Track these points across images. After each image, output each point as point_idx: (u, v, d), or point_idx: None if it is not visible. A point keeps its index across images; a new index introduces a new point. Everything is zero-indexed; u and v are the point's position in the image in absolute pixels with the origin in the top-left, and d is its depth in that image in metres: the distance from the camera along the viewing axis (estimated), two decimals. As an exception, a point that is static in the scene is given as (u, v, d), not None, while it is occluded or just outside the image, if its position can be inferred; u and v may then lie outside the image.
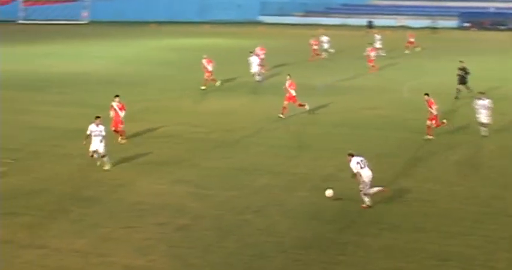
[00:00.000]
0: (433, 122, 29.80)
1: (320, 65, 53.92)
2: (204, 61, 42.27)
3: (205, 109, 36.36)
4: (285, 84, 34.57)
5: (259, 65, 45.14)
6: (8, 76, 46.14)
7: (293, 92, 34.07)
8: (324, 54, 57.90)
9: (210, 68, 41.90)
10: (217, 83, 42.47)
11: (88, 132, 24.67)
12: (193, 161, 26.32)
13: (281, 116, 33.61)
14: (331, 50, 58.98)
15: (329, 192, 21.78)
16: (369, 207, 20.95)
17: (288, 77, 34.74)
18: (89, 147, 24.79)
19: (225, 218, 20.25)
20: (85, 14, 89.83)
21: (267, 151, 27.88)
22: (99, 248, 18.06)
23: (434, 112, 29.80)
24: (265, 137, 30.34)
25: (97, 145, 24.66)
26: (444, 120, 30.38)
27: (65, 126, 31.67)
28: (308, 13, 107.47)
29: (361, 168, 20.84)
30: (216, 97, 39.83)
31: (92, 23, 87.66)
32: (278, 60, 53.40)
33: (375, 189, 21.31)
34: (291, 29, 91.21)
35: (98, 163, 25.09)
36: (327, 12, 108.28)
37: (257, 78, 44.55)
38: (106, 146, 25.02)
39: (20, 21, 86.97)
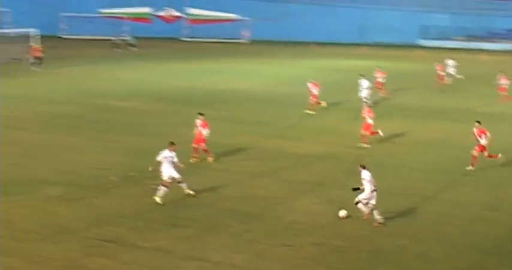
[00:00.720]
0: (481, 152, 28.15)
1: (443, 90, 52.33)
2: (310, 85, 41.95)
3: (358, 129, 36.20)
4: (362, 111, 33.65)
5: (379, 88, 44.39)
6: (172, 91, 47.91)
7: (369, 120, 32.72)
8: (448, 79, 54.93)
9: (315, 91, 41.48)
10: (323, 104, 41.91)
11: (159, 159, 23.32)
12: (349, 182, 26.22)
13: (363, 145, 32.37)
14: (459, 76, 56.18)
15: (342, 213, 21.77)
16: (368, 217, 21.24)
17: (365, 104, 33.56)
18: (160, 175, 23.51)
19: (380, 241, 20.06)
20: (246, 33, 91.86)
21: (423, 175, 27.42)
22: (255, 264, 18.32)
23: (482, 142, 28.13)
24: (419, 161, 29.85)
25: (171, 172, 23.38)
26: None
27: (222, 141, 32.33)
28: (470, 37, 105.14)
29: (368, 182, 21.06)
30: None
31: (252, 42, 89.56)
32: (412, 83, 52.57)
33: (364, 208, 21.46)
34: (452, 53, 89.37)
35: (187, 191, 23.88)
36: (490, 37, 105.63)
37: (367, 102, 43.78)
38: (179, 171, 23.68)
39: (184, 39, 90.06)
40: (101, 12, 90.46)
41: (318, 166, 28.79)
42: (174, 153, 23.45)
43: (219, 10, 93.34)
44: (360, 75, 44.49)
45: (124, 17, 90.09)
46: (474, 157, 28.29)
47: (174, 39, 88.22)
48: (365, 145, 32.24)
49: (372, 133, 32.70)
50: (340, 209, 22.05)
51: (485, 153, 28.43)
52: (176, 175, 23.47)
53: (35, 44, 61.57)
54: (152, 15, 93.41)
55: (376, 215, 21.23)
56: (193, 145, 28.75)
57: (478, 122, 28.71)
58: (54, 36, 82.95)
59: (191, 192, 23.89)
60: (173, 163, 23.40)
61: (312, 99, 41.40)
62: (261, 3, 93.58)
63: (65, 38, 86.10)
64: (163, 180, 23.23)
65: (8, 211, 21.85)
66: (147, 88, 49.21)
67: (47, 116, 37.93)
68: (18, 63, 59.72)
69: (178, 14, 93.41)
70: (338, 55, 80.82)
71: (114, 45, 78.11)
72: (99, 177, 25.89)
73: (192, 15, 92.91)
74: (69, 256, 18.52)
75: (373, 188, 21.11)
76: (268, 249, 19.33)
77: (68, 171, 26.78)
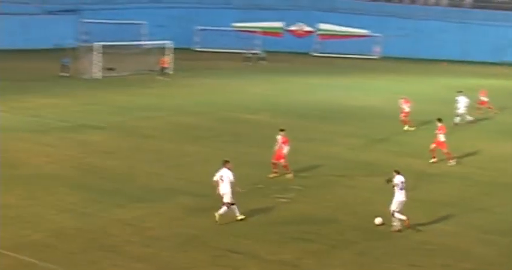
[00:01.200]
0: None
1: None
2: (401, 101, 41.46)
3: (494, 151, 35.27)
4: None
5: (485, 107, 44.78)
6: (300, 105, 48.13)
7: (441, 137, 32.29)
8: None
9: (406, 108, 41.00)
10: (406, 127, 40.82)
11: (215, 178, 22.65)
12: (483, 204, 25.63)
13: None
14: None
15: (378, 220, 22.29)
16: (399, 231, 21.72)
17: (438, 121, 33.32)
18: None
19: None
20: (377, 49, 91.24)
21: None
22: (382, 283, 18.18)
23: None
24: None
25: (225, 190, 22.55)
26: None
27: (350, 157, 32.31)
28: None
29: (400, 189, 21.87)
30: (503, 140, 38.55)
31: (383, 58, 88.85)
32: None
33: (401, 216, 22.04)
34: None
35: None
36: None
37: (467, 118, 43.27)
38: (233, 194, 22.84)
39: (314, 54, 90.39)
40: (234, 26, 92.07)
41: (449, 186, 28.25)
42: (230, 172, 22.61)
43: (351, 26, 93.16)
44: (458, 92, 43.90)
45: (256, 31, 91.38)
46: None
47: (304, 54, 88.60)
48: (433, 159, 32.13)
49: (447, 153, 32.08)
50: (469, 230, 21.58)
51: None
52: (227, 197, 22.48)
53: (163, 56, 63.47)
54: (283, 29, 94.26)
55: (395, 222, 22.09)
56: (273, 161, 28.68)
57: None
58: (187, 49, 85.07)
59: (240, 217, 22.77)
60: (230, 182, 22.51)
61: (403, 116, 40.96)
62: (392, 19, 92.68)
63: (198, 51, 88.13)
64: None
65: (142, 218, 22.59)
66: (275, 102, 49.67)
67: (178, 127, 38.95)
68: (153, 74, 61.59)
69: (309, 29, 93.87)
70: (472, 73, 78.94)
71: (245, 58, 79.28)
72: (229, 188, 26.28)
73: (324, 30, 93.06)
74: (198, 265, 18.95)
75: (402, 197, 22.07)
76: (395, 269, 19.09)
77: (199, 181, 27.37)
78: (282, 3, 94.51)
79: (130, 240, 20.55)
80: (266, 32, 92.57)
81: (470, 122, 43.37)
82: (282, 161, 28.66)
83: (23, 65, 67.54)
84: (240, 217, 22.67)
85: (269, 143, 34.73)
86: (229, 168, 22.70)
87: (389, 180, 22.37)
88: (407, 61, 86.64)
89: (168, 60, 62.74)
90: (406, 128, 40.65)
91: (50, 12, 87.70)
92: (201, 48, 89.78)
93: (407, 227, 22.15)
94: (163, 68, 61.93)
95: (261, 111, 45.12)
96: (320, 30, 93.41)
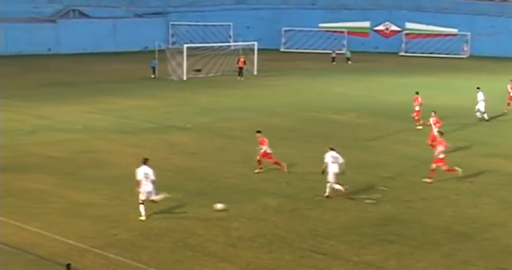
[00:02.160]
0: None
1: None
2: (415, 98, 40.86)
3: None
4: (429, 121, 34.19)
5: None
6: (387, 105, 47.76)
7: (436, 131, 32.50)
8: None
9: (417, 107, 40.36)
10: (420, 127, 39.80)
11: (139, 178, 22.63)
12: None
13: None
14: None
15: (219, 206, 23.31)
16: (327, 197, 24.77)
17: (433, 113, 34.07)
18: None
19: None
20: (465, 48, 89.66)
21: None
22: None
23: None
24: None
25: (149, 188, 22.68)
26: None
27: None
28: None
29: (332, 163, 24.93)
30: None
31: (471, 57, 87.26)
32: None
33: (338, 186, 25.13)
34: None
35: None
36: None
37: (484, 116, 42.98)
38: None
39: (401, 54, 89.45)
40: (320, 27, 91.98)
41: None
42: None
43: (438, 25, 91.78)
44: (477, 88, 43.63)
45: (342, 31, 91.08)
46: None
47: (391, 54, 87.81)
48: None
49: (432, 145, 30.97)
50: None
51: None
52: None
53: (241, 56, 63.80)
54: (370, 29, 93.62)
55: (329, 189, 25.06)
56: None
57: None
58: (274, 50, 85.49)
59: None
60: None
61: (414, 115, 40.40)
62: (482, 17, 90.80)
63: (284, 51, 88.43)
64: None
65: (228, 218, 22.89)
66: (362, 102, 49.44)
67: (263, 127, 38.94)
68: (236, 75, 62.12)
69: (396, 28, 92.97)
70: None
71: (331, 58, 79.14)
72: (313, 189, 26.38)
73: (411, 29, 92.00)
74: (282, 266, 19.07)
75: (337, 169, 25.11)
76: (483, 272, 18.84)
77: (283, 182, 27.54)
78: (368, 3, 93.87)
79: (216, 240, 20.84)
80: (352, 32, 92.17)
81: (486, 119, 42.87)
82: (271, 160, 28.90)
83: (112, 67, 69.31)
84: (141, 218, 22.59)
85: (355, 143, 34.79)
86: (149, 166, 22.84)
87: (323, 172, 25.46)
88: (497, 60, 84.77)
89: (244, 60, 63.00)
90: (419, 127, 39.85)
91: (138, 16, 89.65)
92: (287, 48, 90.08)
93: (344, 196, 25.02)
94: (240, 69, 62.21)
95: (347, 112, 44.98)
96: (407, 29, 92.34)
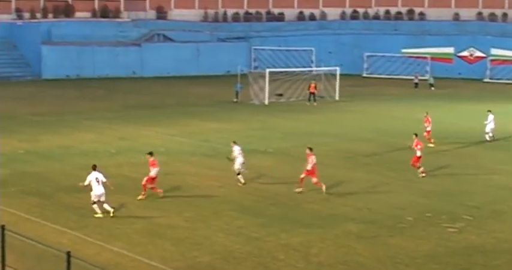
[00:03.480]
0: None
1: None
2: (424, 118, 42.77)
3: None
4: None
5: None
6: (470, 133, 46.58)
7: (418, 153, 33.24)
8: None
9: (428, 127, 42.23)
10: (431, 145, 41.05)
11: (87, 183, 25.64)
12: None
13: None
14: None
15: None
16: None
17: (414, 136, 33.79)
18: None
19: None
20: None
21: None
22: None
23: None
24: None
25: (101, 190, 25.56)
26: None
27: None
28: None
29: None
30: None
31: None
32: None
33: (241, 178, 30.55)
34: None
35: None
36: None
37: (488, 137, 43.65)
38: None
39: (486, 80, 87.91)
40: (403, 52, 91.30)
41: None
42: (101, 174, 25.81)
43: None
44: (488, 111, 44.51)
45: (425, 57, 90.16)
46: None
47: (476, 80, 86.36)
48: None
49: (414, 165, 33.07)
50: None
51: None
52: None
53: (312, 82, 63.40)
54: (454, 55, 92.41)
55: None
56: (146, 184, 28.27)
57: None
58: (356, 75, 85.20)
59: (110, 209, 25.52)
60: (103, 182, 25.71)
61: (425, 134, 41.18)
62: None
63: (366, 77, 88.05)
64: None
65: (307, 243, 22.80)
66: (442, 128, 48.54)
67: (344, 153, 38.96)
68: (321, 100, 62.11)
69: (481, 54, 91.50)
70: None
71: (414, 84, 78.31)
72: (395, 216, 26.10)
73: (496, 56, 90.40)
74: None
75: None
76: None
77: (365, 208, 27.33)
78: (451, 28, 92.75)
79: (296, 266, 20.77)
80: (436, 57, 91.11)
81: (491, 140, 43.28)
82: (149, 185, 28.21)
83: (194, 90, 70.27)
84: (97, 215, 25.26)
85: (438, 171, 34.23)
86: (99, 171, 25.76)
87: (229, 159, 30.68)
88: None
89: (315, 85, 62.64)
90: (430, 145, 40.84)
91: (221, 40, 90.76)
92: (369, 74, 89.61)
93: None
94: (311, 94, 61.98)
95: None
96: (492, 55, 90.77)
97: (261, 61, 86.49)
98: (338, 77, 65.41)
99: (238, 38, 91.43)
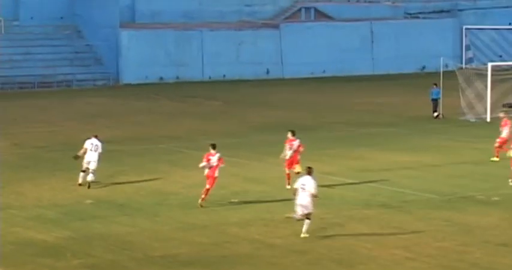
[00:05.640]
0: None
1: None
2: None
3: None
4: None
5: None
6: None
7: None
8: None
9: (504, 133, 45.36)
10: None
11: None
12: None
13: None
14: None
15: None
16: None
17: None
18: None
19: None
20: None
21: None
22: None
23: None
24: None
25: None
26: None
27: None
28: None
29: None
30: None
31: None
32: None
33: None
34: None
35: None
36: None
37: None
38: None
39: None
40: None
41: None
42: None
43: None
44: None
45: None
46: None
47: None
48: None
49: None
50: None
51: None
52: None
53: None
54: None
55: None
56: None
57: None
58: None
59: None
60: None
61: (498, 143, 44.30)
62: None
63: None
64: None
65: None
66: None
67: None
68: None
69: None
70: None
71: None
72: None
73: None
74: None
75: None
76: None
77: None
78: None
79: None
80: None
81: None
82: None
83: (366, 99, 70.05)
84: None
85: None
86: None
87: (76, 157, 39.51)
88: None
89: None
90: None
91: (411, 16, 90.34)
92: None
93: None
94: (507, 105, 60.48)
95: None
96: None
97: (478, 50, 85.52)
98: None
99: (439, 11, 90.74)
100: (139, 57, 79.68)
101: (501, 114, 48.56)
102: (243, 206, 37.32)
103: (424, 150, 49.33)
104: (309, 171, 32.26)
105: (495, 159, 45.41)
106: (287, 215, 32.63)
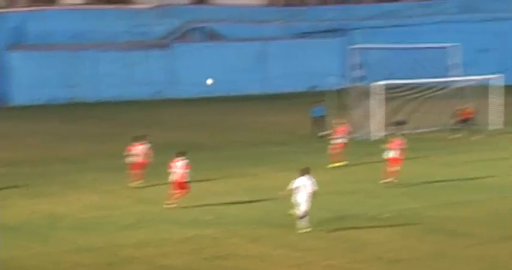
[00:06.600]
0: None
1: None
2: None
3: None
4: None
5: None
6: None
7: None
8: None
9: None
10: None
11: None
12: None
13: None
14: None
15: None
16: None
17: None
18: None
19: None
20: None
21: None
22: None
23: None
24: None
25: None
26: None
27: None
28: None
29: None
30: None
31: None
32: None
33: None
34: None
35: None
36: None
37: None
38: None
39: None
40: None
41: None
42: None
43: None
44: None
45: None
46: None
47: None
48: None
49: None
50: None
51: None
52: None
53: (467, 105, 63.15)
54: None
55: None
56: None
57: None
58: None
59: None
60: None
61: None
62: None
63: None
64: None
65: None
66: None
67: (501, 217, 38.94)
68: (471, 128, 61.78)
69: None
70: None
71: None
72: None
73: None
74: None
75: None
76: None
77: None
78: None
79: None
80: None
81: None
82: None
83: (259, 119, 70.62)
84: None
85: None
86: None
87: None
88: None
89: (472, 111, 62.58)
90: None
91: (301, 35, 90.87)
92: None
93: None
94: (463, 121, 61.78)
95: None
96: None
97: (369, 68, 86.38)
98: (503, 92, 64.98)
99: (328, 31, 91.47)
100: (30, 78, 79.60)
101: (389, 133, 50.47)
102: (138, 226, 37.43)
103: (314, 168, 49.74)
104: (306, 172, 36.61)
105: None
106: (290, 211, 36.16)
